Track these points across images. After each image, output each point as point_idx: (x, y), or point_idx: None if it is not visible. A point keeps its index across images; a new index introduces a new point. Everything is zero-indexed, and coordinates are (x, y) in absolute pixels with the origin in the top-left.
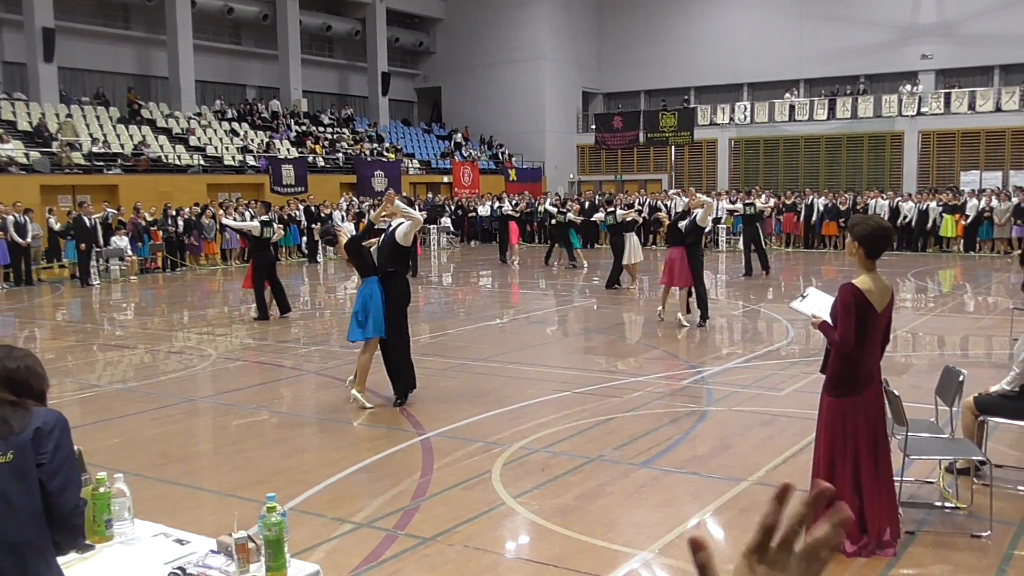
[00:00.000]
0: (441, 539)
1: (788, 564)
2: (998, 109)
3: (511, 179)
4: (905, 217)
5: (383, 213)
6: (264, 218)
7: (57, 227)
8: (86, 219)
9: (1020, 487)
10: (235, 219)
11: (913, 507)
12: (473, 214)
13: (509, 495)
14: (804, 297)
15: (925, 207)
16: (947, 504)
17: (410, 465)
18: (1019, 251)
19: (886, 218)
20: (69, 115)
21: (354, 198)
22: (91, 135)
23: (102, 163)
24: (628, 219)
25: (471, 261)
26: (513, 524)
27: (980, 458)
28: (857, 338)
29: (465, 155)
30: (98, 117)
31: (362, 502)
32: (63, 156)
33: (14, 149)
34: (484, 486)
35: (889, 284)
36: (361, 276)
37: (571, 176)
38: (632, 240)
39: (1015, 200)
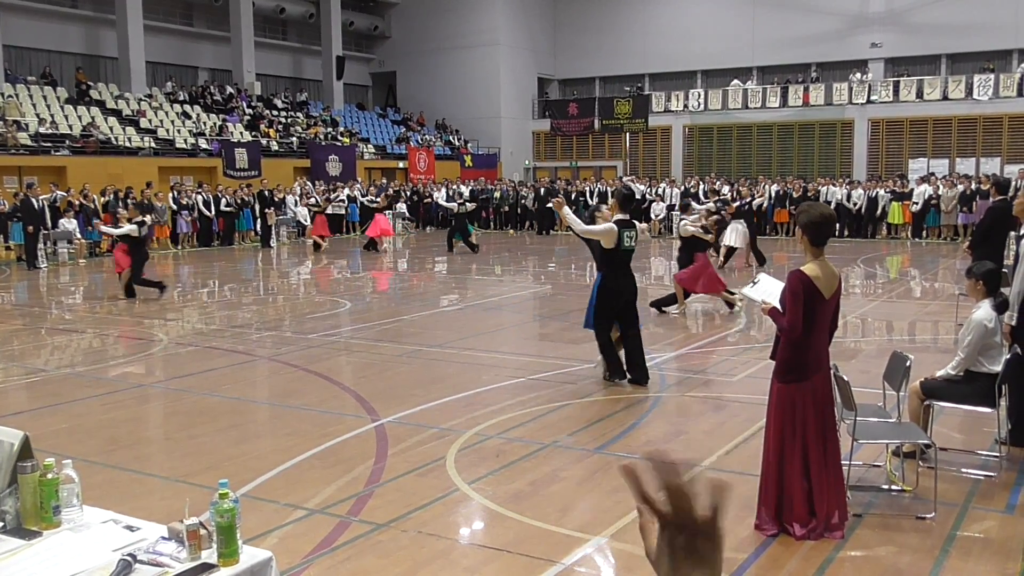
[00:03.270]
0: (395, 525)
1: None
2: (945, 97)
3: (467, 165)
4: (855, 204)
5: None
6: (139, 220)
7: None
8: (34, 201)
9: (964, 469)
10: (114, 226)
11: (861, 490)
12: (429, 200)
13: (463, 481)
14: (755, 283)
15: (874, 194)
16: (894, 487)
17: (364, 451)
18: (969, 239)
19: (840, 205)
20: (15, 94)
21: (308, 182)
22: (38, 115)
23: (49, 144)
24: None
25: (427, 247)
26: (467, 510)
27: (926, 441)
28: (805, 324)
29: (420, 141)
30: (45, 97)
31: (315, 488)
32: (8, 136)
33: None
34: (438, 472)
35: (836, 271)
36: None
37: (526, 162)
38: (734, 226)
39: (960, 187)
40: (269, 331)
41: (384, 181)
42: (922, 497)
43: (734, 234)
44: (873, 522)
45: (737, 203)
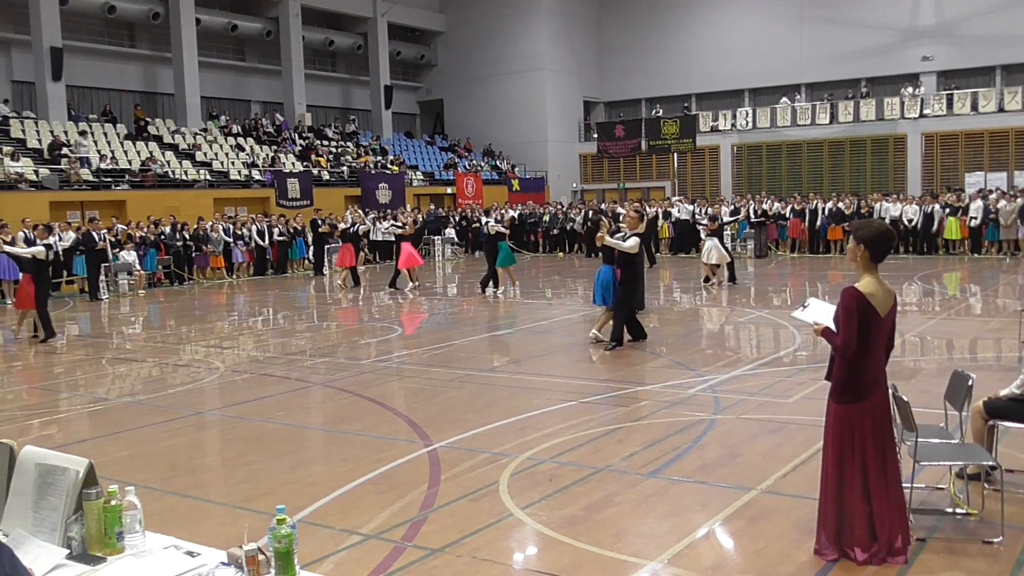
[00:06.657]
0: (449, 550)
1: None
2: (1001, 109)
3: (514, 189)
4: (911, 220)
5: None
6: (47, 242)
7: (68, 244)
8: (95, 234)
9: None
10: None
11: (924, 514)
12: (477, 225)
13: (517, 506)
14: (805, 307)
15: (930, 209)
16: (958, 510)
17: (417, 476)
18: None
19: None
20: (82, 132)
21: (360, 210)
22: (99, 152)
23: (110, 179)
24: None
25: (476, 272)
26: (521, 535)
27: (991, 463)
28: (861, 343)
29: (468, 166)
30: (105, 134)
31: (370, 513)
32: (72, 173)
33: (23, 167)
34: (492, 497)
35: (892, 288)
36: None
37: (574, 185)
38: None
39: (1020, 201)
40: (322, 358)
41: (409, 207)
42: (988, 521)
43: (714, 251)
44: (938, 547)
45: (718, 221)
